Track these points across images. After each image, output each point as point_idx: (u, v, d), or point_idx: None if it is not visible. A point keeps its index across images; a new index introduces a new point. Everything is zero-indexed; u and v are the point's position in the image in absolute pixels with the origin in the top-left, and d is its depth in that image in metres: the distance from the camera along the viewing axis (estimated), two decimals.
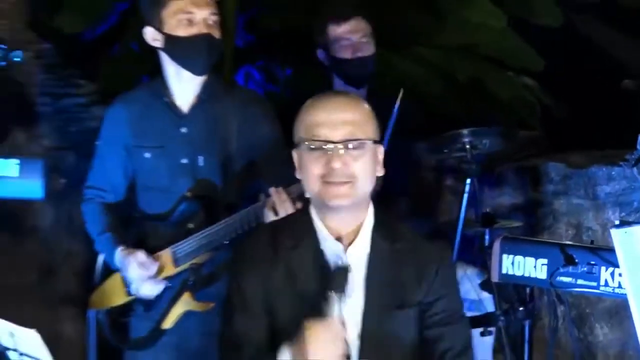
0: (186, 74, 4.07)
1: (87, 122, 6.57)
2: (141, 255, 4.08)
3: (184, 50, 4.04)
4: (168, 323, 4.11)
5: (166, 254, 4.10)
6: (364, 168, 3.18)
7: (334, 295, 3.10)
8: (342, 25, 4.96)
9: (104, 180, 4.27)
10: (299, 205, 3.78)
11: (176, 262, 4.08)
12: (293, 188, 3.78)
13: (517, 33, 7.10)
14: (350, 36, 4.95)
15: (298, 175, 3.28)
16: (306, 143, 3.17)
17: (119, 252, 4.14)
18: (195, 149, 4.10)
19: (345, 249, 3.23)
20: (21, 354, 3.26)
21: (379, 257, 3.25)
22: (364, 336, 3.22)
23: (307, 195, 3.25)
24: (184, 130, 4.10)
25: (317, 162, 3.16)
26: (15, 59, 4.38)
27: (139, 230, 4.26)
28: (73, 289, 5.95)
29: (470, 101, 7.07)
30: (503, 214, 5.62)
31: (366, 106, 3.27)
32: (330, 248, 3.22)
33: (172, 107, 4.11)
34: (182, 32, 4.02)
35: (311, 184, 3.19)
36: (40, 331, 3.26)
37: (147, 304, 4.16)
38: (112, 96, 6.83)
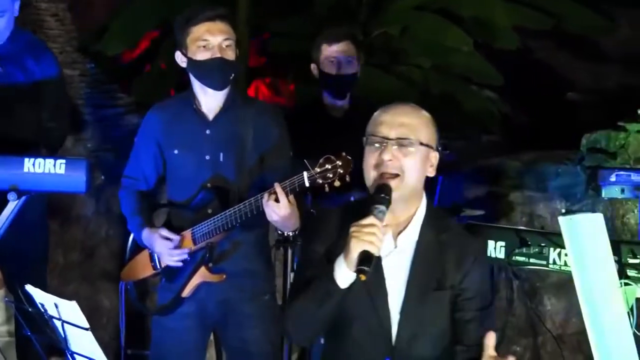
0: (209, 89, 4.05)
1: (123, 128, 6.55)
2: (163, 230, 4.07)
3: (202, 70, 4.01)
4: (186, 292, 4.08)
5: (187, 234, 4.07)
6: (412, 165, 3.12)
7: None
8: (333, 45, 4.92)
9: (137, 171, 4.24)
10: (291, 197, 3.75)
11: (195, 241, 4.05)
12: (286, 183, 3.75)
13: (481, 54, 7.09)
14: (337, 56, 4.91)
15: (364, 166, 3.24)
16: (369, 138, 3.15)
17: (145, 231, 4.12)
18: (217, 148, 4.06)
19: (396, 236, 3.17)
20: (64, 322, 3.22)
21: (425, 245, 3.18)
22: (404, 310, 3.16)
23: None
24: (208, 132, 4.07)
25: (373, 154, 3.13)
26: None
27: (167, 214, 4.23)
28: (109, 268, 5.92)
29: (441, 111, 7.03)
30: (468, 204, 5.58)
31: (425, 115, 3.22)
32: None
33: (199, 113, 4.09)
34: (200, 56, 3.99)
35: (368, 172, 3.15)
36: (81, 301, 3.22)
37: (170, 277, 4.13)
38: (144, 107, 6.84)
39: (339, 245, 3.10)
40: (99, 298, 5.95)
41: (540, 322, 5.34)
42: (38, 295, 3.29)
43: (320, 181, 3.65)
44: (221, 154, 4.05)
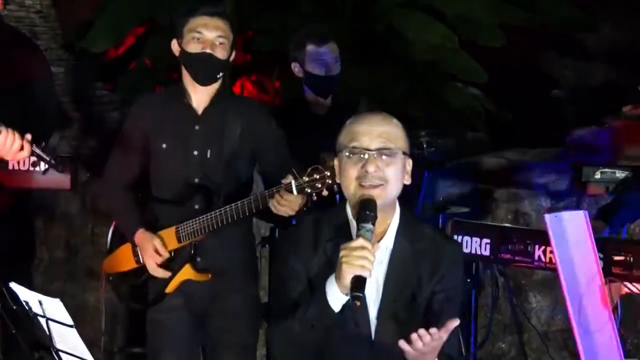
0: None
1: (108, 125, 6.54)
2: (158, 242, 4.03)
3: (191, 63, 4.01)
4: (170, 289, 4.06)
5: (171, 231, 4.05)
6: (394, 174, 3.10)
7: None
8: (321, 46, 4.87)
9: (123, 163, 4.17)
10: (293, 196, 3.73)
11: (179, 238, 4.03)
12: (272, 190, 3.75)
13: (466, 51, 7.09)
14: (325, 57, 4.87)
15: (338, 179, 3.20)
16: (347, 149, 3.10)
17: (140, 234, 4.08)
18: (205, 144, 4.04)
19: (374, 246, 3.07)
20: (48, 319, 3.21)
21: (399, 255, 3.15)
22: (380, 322, 3.13)
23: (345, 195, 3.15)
24: (197, 127, 4.05)
25: (355, 166, 3.09)
26: None
27: (151, 207, 4.18)
28: (95, 265, 5.89)
29: (427, 108, 7.06)
30: (454, 201, 5.58)
31: (398, 123, 3.18)
32: None
33: (189, 108, 4.07)
34: (192, 48, 3.99)
35: (349, 185, 3.11)
36: (66, 299, 3.21)
37: None
38: (129, 104, 6.85)
39: (316, 262, 3.11)
40: (84, 296, 5.92)
41: (526, 319, 5.35)
42: (22, 292, 3.27)
43: (309, 190, 3.64)
44: (209, 151, 4.04)
